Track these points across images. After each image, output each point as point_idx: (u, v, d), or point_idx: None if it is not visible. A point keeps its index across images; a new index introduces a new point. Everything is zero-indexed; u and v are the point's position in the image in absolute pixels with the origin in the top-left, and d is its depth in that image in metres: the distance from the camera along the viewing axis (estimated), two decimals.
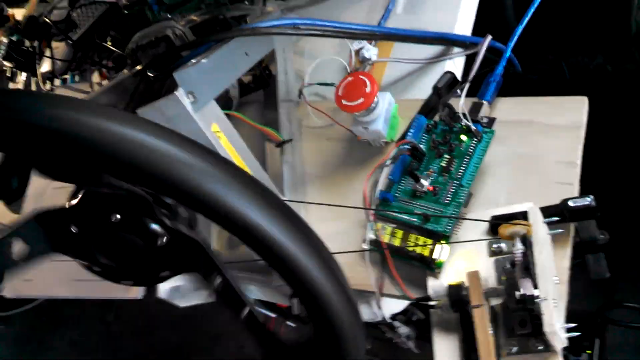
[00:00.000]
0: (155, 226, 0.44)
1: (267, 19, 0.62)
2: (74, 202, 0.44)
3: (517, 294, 0.49)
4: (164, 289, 0.71)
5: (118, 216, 0.43)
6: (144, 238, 0.44)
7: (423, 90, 0.69)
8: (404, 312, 0.68)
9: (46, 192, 0.88)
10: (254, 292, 0.73)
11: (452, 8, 0.72)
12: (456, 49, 0.69)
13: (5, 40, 1.01)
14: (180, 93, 0.53)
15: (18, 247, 0.49)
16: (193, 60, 0.56)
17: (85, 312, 1.70)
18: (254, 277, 0.70)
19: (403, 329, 0.65)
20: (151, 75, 0.61)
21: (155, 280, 0.49)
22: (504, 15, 0.84)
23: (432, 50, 0.70)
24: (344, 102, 0.61)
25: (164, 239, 0.44)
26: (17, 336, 1.76)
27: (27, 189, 0.90)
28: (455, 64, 0.69)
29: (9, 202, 0.93)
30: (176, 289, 0.72)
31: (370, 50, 0.70)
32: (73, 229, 0.44)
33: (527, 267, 0.50)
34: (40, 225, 0.45)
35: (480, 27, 0.73)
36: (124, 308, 1.69)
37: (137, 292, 0.75)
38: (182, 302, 0.73)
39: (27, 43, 1.03)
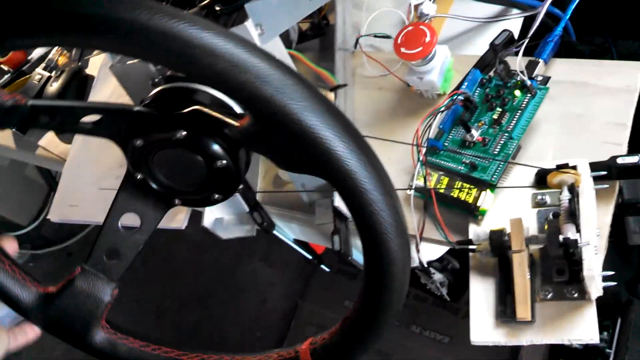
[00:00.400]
0: (216, 147, 0.45)
1: None
2: (142, 109, 0.45)
3: (560, 237, 0.51)
4: (208, 219, 0.74)
5: (184, 133, 0.45)
6: (205, 157, 0.46)
7: (478, 47, 0.70)
8: (439, 260, 0.70)
9: None
10: (294, 230, 0.76)
11: None
12: (514, 10, 0.70)
13: None
14: (249, 24, 0.55)
15: (129, 220, 0.50)
16: None
17: None
18: (296, 216, 0.73)
19: (438, 275, 0.67)
20: (218, 9, 0.63)
21: (206, 202, 0.51)
22: None
23: (490, 10, 0.72)
24: (402, 49, 0.63)
25: (223, 162, 0.46)
26: (45, 275, 1.81)
27: None
28: (512, 25, 0.70)
29: (61, 131, 0.96)
30: (219, 221, 0.75)
31: (429, 6, 0.71)
32: (138, 142, 0.46)
33: (572, 214, 0.52)
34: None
35: None
36: (151, 255, 1.73)
37: (180, 222, 0.78)
38: (224, 234, 0.76)
39: None
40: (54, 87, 0.97)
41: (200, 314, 1.57)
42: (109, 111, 0.46)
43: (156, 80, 0.61)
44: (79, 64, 0.99)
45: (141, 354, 0.53)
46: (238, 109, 0.55)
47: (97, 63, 1.00)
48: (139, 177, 0.49)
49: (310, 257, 0.79)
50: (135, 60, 0.60)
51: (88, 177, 0.88)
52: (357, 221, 0.40)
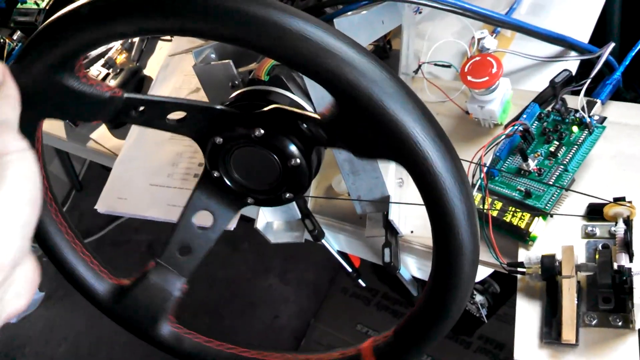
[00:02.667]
0: (291, 146, 0.48)
1: None
2: (225, 107, 0.48)
3: (614, 265, 0.54)
4: (261, 222, 0.77)
5: (262, 131, 0.47)
6: (279, 155, 0.48)
7: (534, 83, 0.74)
8: (482, 282, 0.73)
9: None
10: (341, 242, 0.78)
11: (573, 16, 0.77)
12: (572, 53, 0.74)
13: None
14: None
15: (202, 219, 0.53)
16: (350, 13, 0.62)
17: (129, 257, 1.77)
18: (345, 227, 0.76)
19: (479, 297, 0.70)
20: None
21: (277, 201, 0.53)
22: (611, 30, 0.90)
23: (548, 50, 0.75)
24: (469, 78, 0.67)
25: (297, 161, 0.48)
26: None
27: None
28: (568, 66, 0.74)
29: (115, 126, 0.99)
30: (270, 225, 0.78)
31: (491, 41, 0.75)
32: (217, 140, 0.48)
33: (626, 245, 0.55)
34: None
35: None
36: None
37: (230, 224, 0.80)
38: (273, 238, 0.78)
39: None
40: (111, 84, 1.00)
41: (212, 325, 1.58)
42: (194, 108, 0.48)
43: (236, 82, 0.64)
44: (137, 63, 1.03)
45: (205, 349, 0.55)
46: (315, 114, 0.58)
47: (155, 64, 1.04)
48: (215, 175, 0.51)
49: (350, 269, 0.82)
50: (219, 62, 0.64)
51: (139, 172, 0.91)
52: (429, 206, 0.42)
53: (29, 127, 0.47)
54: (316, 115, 0.46)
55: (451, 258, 0.43)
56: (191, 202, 0.53)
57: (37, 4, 1.11)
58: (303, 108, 0.57)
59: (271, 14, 0.37)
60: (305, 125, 0.47)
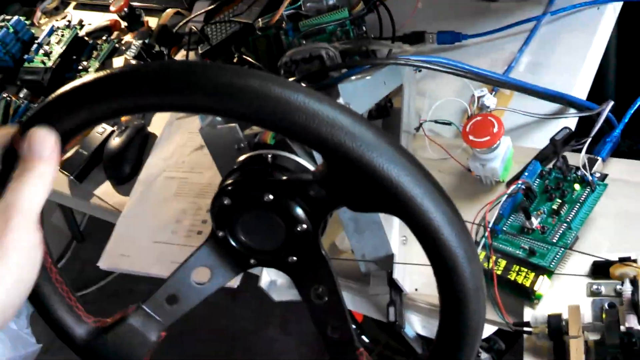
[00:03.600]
0: (299, 211, 0.49)
1: (414, 55, 0.70)
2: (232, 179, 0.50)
3: (622, 327, 0.54)
4: (265, 280, 0.77)
5: (271, 197, 0.48)
6: (287, 220, 0.49)
7: (534, 140, 0.75)
8: (486, 340, 0.72)
9: (157, 180, 0.95)
10: (345, 299, 0.78)
11: (571, 74, 0.79)
12: (571, 110, 0.75)
13: (137, 43, 1.11)
14: (341, 102, 0.61)
15: (199, 276, 0.53)
16: (353, 78, 0.64)
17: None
18: (350, 285, 0.76)
19: (484, 355, 0.69)
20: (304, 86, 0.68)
21: (281, 264, 0.53)
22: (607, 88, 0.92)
23: (547, 107, 0.77)
24: (471, 137, 0.68)
25: (304, 226, 0.49)
26: None
27: (138, 174, 0.97)
28: (567, 123, 0.75)
29: (119, 183, 1.00)
30: (274, 283, 0.78)
31: (491, 99, 0.77)
32: (225, 201, 0.49)
33: (634, 305, 0.55)
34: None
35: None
36: None
37: (233, 281, 0.80)
38: (277, 296, 0.78)
39: (156, 48, 1.13)
40: (116, 141, 1.01)
41: None
42: None
43: (242, 145, 0.65)
44: (142, 121, 1.05)
45: None
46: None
47: (159, 121, 1.05)
48: (220, 234, 0.52)
49: (354, 326, 0.81)
50: (225, 125, 0.65)
51: (143, 230, 0.91)
52: (431, 259, 0.42)
53: None
54: (309, 177, 0.47)
55: (457, 314, 0.44)
56: (192, 257, 0.53)
57: (44, 63, 1.14)
58: (308, 170, 0.58)
59: (250, 84, 0.39)
60: (312, 191, 0.48)
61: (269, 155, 0.57)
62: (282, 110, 0.39)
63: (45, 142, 0.41)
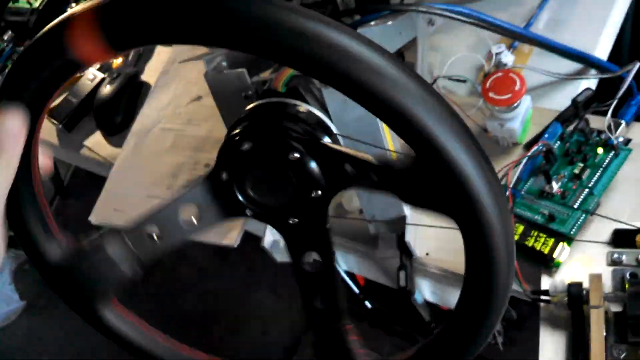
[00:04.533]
0: (320, 177, 0.44)
1: (433, 3, 0.65)
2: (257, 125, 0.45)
3: None
4: (268, 240, 0.73)
5: (297, 155, 0.44)
6: (306, 183, 0.44)
7: (554, 101, 0.72)
8: None
9: (152, 131, 0.91)
10: (351, 263, 0.75)
11: (593, 32, 0.75)
12: (592, 71, 0.72)
13: None
14: None
15: (187, 213, 0.47)
16: (372, 23, 0.59)
17: None
18: (357, 248, 0.73)
19: None
20: None
21: (280, 223, 0.48)
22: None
23: (567, 67, 0.73)
24: (491, 94, 0.64)
25: (318, 193, 0.44)
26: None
27: (131, 125, 0.93)
28: (589, 84, 0.72)
29: (110, 134, 0.95)
30: (277, 243, 0.75)
31: (508, 56, 0.73)
32: (245, 146, 0.44)
33: None
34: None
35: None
36: (153, 275, 1.70)
37: (232, 240, 0.77)
38: (279, 257, 0.75)
39: None
40: (107, 89, 0.96)
41: (200, 339, 1.53)
42: None
43: (249, 92, 0.61)
44: (135, 68, 0.99)
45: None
46: (334, 129, 0.55)
47: (153, 69, 1.00)
48: (223, 176, 0.46)
49: (357, 291, 0.78)
50: (232, 70, 0.61)
51: (137, 184, 0.87)
52: (474, 268, 0.40)
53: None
54: (372, 159, 0.42)
55: (487, 271, 0.40)
56: (185, 192, 0.47)
57: (30, 4, 1.07)
58: (322, 122, 0.54)
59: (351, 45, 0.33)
60: (350, 166, 0.44)
61: (280, 103, 0.53)
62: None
63: (8, 126, 0.37)
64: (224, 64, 0.63)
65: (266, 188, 0.48)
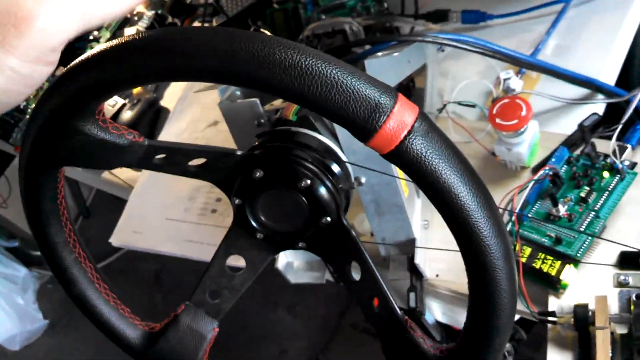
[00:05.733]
0: (330, 204, 0.47)
1: (440, 33, 0.67)
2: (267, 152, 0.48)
3: None
4: (282, 262, 0.75)
5: (309, 182, 0.46)
6: (316, 210, 0.47)
7: (561, 126, 0.73)
8: None
9: None
10: None
11: (600, 58, 0.76)
12: (599, 95, 0.73)
13: (150, 13, 1.09)
14: None
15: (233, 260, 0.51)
16: (379, 54, 0.62)
17: (137, 287, 1.75)
18: None
19: (506, 345, 0.68)
20: None
21: (289, 246, 0.51)
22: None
23: (574, 92, 0.75)
24: (498, 120, 0.66)
25: (328, 220, 0.47)
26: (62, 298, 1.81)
27: None
28: (596, 109, 0.73)
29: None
30: (290, 265, 0.76)
31: (516, 81, 0.74)
32: (257, 174, 0.46)
33: None
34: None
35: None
36: (172, 292, 1.73)
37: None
38: (293, 278, 0.77)
39: (169, 19, 1.11)
40: (128, 115, 1.00)
41: (219, 357, 1.55)
42: (216, 154, 0.47)
43: (262, 120, 0.63)
44: (154, 94, 1.03)
45: None
46: (342, 156, 0.57)
47: (172, 95, 1.03)
48: (237, 202, 0.48)
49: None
50: (245, 100, 0.63)
51: (155, 206, 0.90)
52: (475, 285, 0.41)
53: (49, 175, 0.46)
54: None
55: (488, 308, 0.42)
56: (222, 246, 0.51)
57: None
58: (332, 150, 0.56)
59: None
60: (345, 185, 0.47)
61: (290, 132, 0.55)
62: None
63: None
64: (238, 93, 0.65)
65: (277, 214, 0.50)
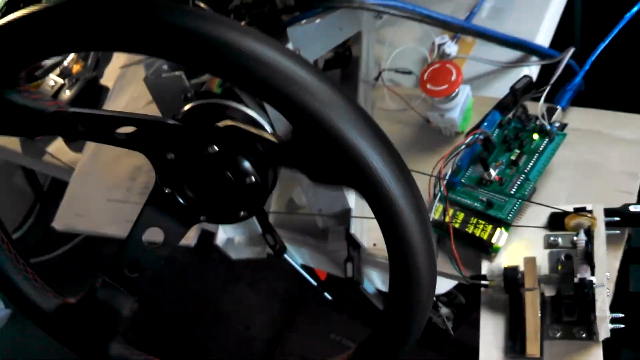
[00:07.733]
0: (247, 164, 0.46)
1: None
2: (177, 122, 0.46)
3: (575, 278, 0.53)
4: (221, 238, 0.75)
5: (216, 148, 0.45)
6: (234, 173, 0.46)
7: (496, 90, 0.73)
8: (447, 294, 0.71)
9: None
10: (304, 255, 0.76)
11: (534, 20, 0.76)
12: (533, 58, 0.73)
13: None
14: (289, 47, 0.57)
15: (152, 234, 0.50)
16: (303, 21, 0.60)
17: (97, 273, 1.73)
18: (307, 241, 0.74)
19: (444, 310, 0.68)
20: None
21: (231, 219, 0.51)
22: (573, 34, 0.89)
23: (509, 55, 0.74)
24: (428, 85, 0.65)
25: (252, 179, 0.46)
26: None
27: None
28: (530, 71, 0.73)
29: (70, 139, 0.96)
30: (231, 241, 0.76)
31: (452, 47, 0.74)
32: (169, 156, 0.46)
33: (588, 256, 0.54)
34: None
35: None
36: None
37: (190, 240, 0.78)
38: (235, 254, 0.76)
39: None
40: (67, 94, 0.97)
41: (183, 337, 1.55)
42: (144, 123, 0.45)
43: (189, 95, 0.62)
44: (94, 73, 1.00)
45: None
46: (269, 128, 0.56)
47: (112, 73, 1.01)
48: (167, 191, 0.49)
49: (315, 283, 0.80)
50: (170, 74, 0.62)
51: (97, 188, 0.88)
52: (386, 236, 0.41)
53: None
54: (273, 138, 0.44)
55: (406, 291, 0.43)
56: (140, 219, 0.50)
57: None
58: (258, 122, 0.55)
59: (223, 34, 0.36)
60: (261, 145, 0.46)
61: (215, 105, 0.54)
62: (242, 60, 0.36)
63: None
64: (165, 67, 0.64)
65: (207, 190, 0.49)
